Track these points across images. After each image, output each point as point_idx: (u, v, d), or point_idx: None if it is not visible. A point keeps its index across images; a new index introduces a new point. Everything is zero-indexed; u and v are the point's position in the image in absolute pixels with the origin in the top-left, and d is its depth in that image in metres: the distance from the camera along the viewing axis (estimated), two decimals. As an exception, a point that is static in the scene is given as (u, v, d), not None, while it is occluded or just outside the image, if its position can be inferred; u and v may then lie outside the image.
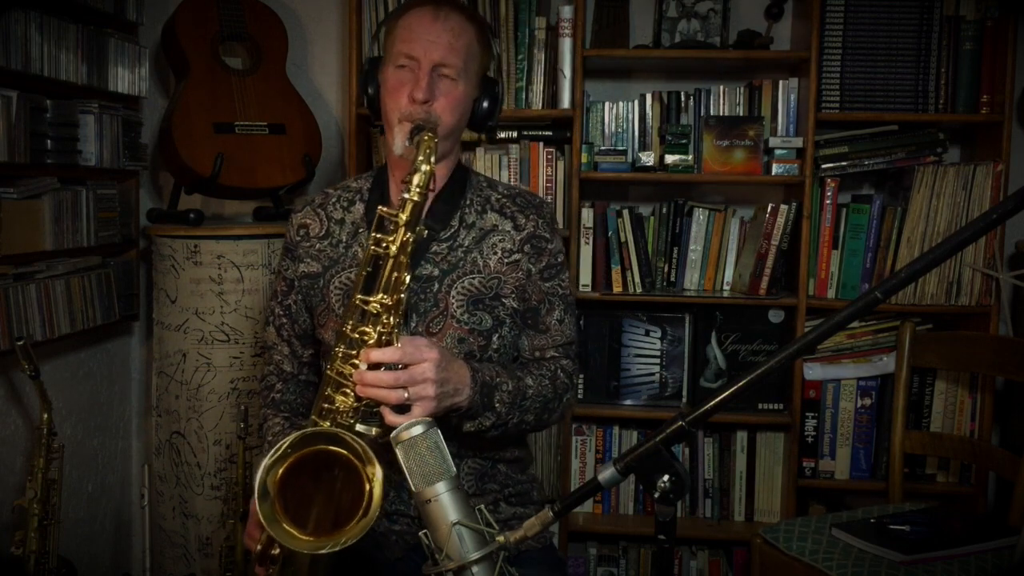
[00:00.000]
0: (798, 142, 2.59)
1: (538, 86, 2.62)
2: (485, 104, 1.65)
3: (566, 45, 2.57)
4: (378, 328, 1.41)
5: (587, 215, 2.62)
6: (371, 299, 1.41)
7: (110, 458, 2.80)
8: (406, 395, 1.39)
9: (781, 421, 2.64)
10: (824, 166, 2.60)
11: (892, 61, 2.56)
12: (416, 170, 1.40)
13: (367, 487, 1.31)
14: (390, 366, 1.40)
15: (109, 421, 2.79)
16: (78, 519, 2.63)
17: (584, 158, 2.58)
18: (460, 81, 1.57)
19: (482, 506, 1.25)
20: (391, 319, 1.42)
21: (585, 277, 2.64)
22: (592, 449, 2.72)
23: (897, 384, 2.37)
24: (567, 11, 2.56)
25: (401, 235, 1.40)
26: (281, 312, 1.72)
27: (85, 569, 2.60)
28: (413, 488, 1.22)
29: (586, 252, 2.62)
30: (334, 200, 1.71)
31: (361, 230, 1.66)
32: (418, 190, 1.40)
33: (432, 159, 1.42)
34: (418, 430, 1.24)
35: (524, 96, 2.62)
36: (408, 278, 1.42)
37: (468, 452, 1.62)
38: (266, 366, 1.79)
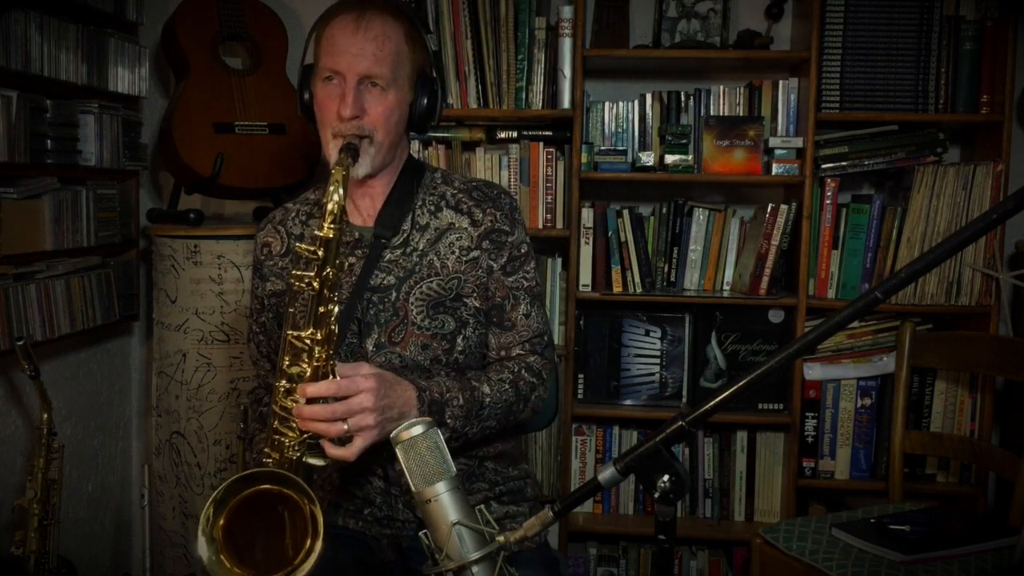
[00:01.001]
0: (798, 142, 2.59)
1: (538, 86, 2.62)
2: (424, 103, 1.60)
3: (566, 45, 2.57)
4: (313, 363, 1.40)
5: (587, 215, 2.62)
6: (301, 334, 1.40)
7: (110, 458, 2.80)
8: (345, 427, 1.38)
9: (781, 421, 2.64)
10: (824, 166, 2.60)
11: (892, 61, 2.56)
12: (329, 200, 1.37)
13: (308, 531, 1.32)
14: (328, 399, 1.39)
15: (109, 421, 2.79)
16: (78, 519, 2.63)
17: (584, 158, 2.58)
18: (390, 90, 1.54)
19: (482, 506, 1.25)
20: (323, 352, 1.40)
21: (585, 277, 2.64)
22: (592, 449, 2.72)
23: (897, 384, 2.37)
24: (567, 11, 2.56)
25: (319, 271, 1.38)
26: (257, 330, 1.72)
27: (85, 569, 2.60)
28: (413, 488, 1.22)
29: (586, 252, 2.62)
30: (293, 215, 1.70)
31: None
32: (331, 227, 1.37)
33: (341, 191, 1.38)
34: (418, 430, 1.24)
35: (524, 96, 2.62)
36: (336, 309, 1.41)
37: (452, 452, 1.61)
38: (256, 379, 1.79)
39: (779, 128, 2.64)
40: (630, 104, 2.69)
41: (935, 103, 2.57)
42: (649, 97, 2.68)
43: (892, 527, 2.03)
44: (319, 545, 1.30)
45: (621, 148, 2.65)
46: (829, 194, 2.61)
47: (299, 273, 1.39)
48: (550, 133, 2.65)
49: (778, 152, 2.60)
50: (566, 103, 2.59)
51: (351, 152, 1.48)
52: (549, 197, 2.62)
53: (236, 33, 2.61)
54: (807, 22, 2.55)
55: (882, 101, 2.58)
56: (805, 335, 1.08)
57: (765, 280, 2.60)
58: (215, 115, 2.51)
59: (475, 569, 1.18)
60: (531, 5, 2.59)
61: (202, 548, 1.30)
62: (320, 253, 1.37)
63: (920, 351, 2.37)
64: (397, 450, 1.23)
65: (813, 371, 2.64)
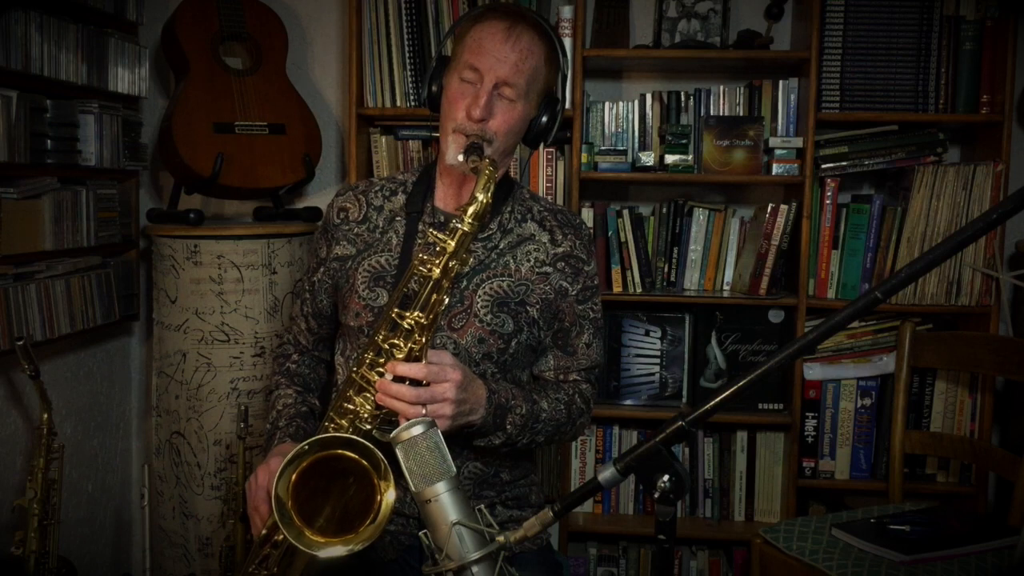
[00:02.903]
0: (798, 142, 2.59)
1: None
2: (543, 121, 1.66)
3: (566, 45, 2.56)
4: (409, 344, 1.45)
5: (587, 215, 2.62)
6: (407, 315, 1.44)
7: (110, 458, 2.80)
8: (423, 412, 1.42)
9: (781, 421, 2.64)
10: (824, 166, 2.59)
11: (892, 61, 2.56)
12: (473, 200, 1.44)
13: (378, 497, 1.33)
14: (414, 381, 1.43)
15: (109, 421, 2.79)
16: (78, 519, 2.63)
17: (584, 158, 2.58)
18: (519, 102, 1.59)
19: (482, 506, 1.25)
20: (423, 337, 1.45)
21: (585, 277, 2.63)
22: (592, 449, 2.72)
23: (897, 384, 2.37)
24: (567, 11, 2.56)
25: (446, 260, 1.44)
26: (307, 287, 1.76)
27: (85, 569, 2.60)
28: (413, 488, 1.22)
29: (586, 252, 2.62)
30: (377, 188, 1.74)
31: (398, 218, 1.68)
32: (471, 221, 1.44)
33: (490, 191, 1.45)
34: (418, 430, 1.24)
35: (524, 96, 2.62)
36: (447, 300, 1.46)
37: (472, 455, 1.63)
38: (286, 333, 1.83)
39: (779, 128, 2.64)
40: (630, 104, 2.69)
41: (935, 103, 2.57)
42: (649, 97, 2.68)
43: (892, 527, 2.03)
44: (391, 492, 1.31)
45: (621, 148, 2.65)
46: (829, 194, 2.61)
47: (424, 257, 1.45)
48: (550, 133, 2.65)
49: (778, 152, 2.60)
50: (566, 103, 2.57)
51: (477, 151, 1.53)
52: (549, 197, 2.62)
53: (236, 33, 2.61)
54: (807, 22, 2.55)
55: (882, 101, 2.57)
56: (805, 335, 1.08)
57: (765, 280, 2.60)
58: (215, 115, 2.51)
59: (475, 569, 1.18)
60: (531, 5, 2.59)
61: (275, 503, 1.32)
62: (451, 244, 1.44)
63: (920, 351, 2.37)
64: (397, 450, 1.23)
65: (813, 371, 2.64)
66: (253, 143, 2.54)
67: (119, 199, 2.59)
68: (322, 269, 1.71)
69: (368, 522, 1.32)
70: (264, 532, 1.48)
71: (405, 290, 1.48)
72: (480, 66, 1.57)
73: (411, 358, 1.45)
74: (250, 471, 2.36)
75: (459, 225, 1.44)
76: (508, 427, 1.54)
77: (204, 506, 2.50)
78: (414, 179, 1.73)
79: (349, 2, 2.60)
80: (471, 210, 1.44)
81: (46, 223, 2.27)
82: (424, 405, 1.42)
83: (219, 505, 2.48)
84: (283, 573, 1.47)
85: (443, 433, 1.41)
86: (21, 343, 2.06)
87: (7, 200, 2.14)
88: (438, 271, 1.44)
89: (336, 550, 1.31)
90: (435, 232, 1.46)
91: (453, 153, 1.58)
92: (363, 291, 1.63)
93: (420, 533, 1.23)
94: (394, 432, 1.25)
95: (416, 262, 1.46)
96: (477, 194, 1.45)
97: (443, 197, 1.69)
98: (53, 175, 2.31)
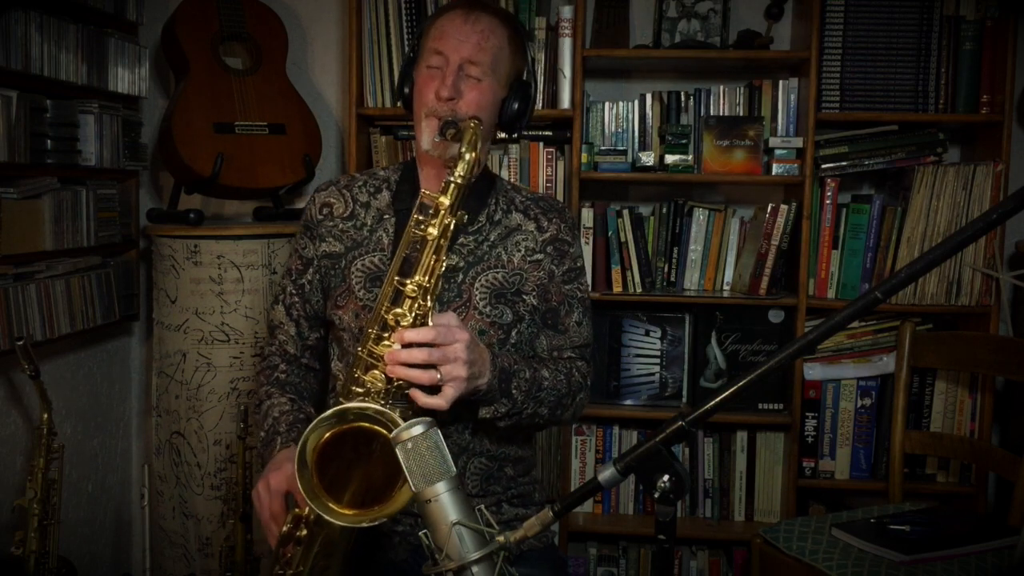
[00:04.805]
0: (798, 142, 2.59)
1: (538, 86, 2.62)
2: (515, 105, 1.65)
3: (566, 45, 2.57)
4: (414, 310, 1.43)
5: (587, 215, 2.63)
6: (408, 281, 1.43)
7: (110, 458, 2.80)
8: (439, 376, 1.40)
9: (781, 421, 2.64)
10: (824, 166, 2.60)
11: (892, 61, 2.56)
12: (460, 157, 1.44)
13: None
14: (423, 346, 1.41)
15: (109, 421, 2.79)
16: (78, 519, 2.63)
17: (584, 158, 2.58)
18: (487, 80, 1.59)
19: (482, 506, 1.25)
20: (426, 301, 1.44)
21: (585, 277, 2.64)
22: (592, 449, 2.72)
23: (897, 384, 2.37)
24: (567, 11, 2.56)
25: (442, 218, 1.44)
26: (293, 291, 1.72)
27: (85, 569, 2.60)
28: (413, 488, 1.22)
29: (586, 252, 2.62)
30: (360, 184, 1.73)
31: (386, 216, 1.67)
32: (461, 175, 1.43)
33: (478, 146, 1.45)
34: (418, 430, 1.23)
35: (524, 96, 2.62)
36: (444, 267, 1.45)
37: (477, 452, 1.63)
38: (268, 346, 1.78)
39: (779, 128, 2.64)
40: (630, 104, 2.69)
41: (935, 103, 2.57)
42: (649, 97, 2.68)
43: (892, 527, 2.03)
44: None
45: (621, 148, 2.65)
46: (829, 194, 2.61)
47: (419, 218, 1.45)
48: (550, 133, 2.65)
49: (778, 152, 2.60)
50: (566, 103, 2.59)
51: (452, 126, 1.52)
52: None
53: (236, 33, 2.61)
54: (807, 22, 2.55)
55: (882, 101, 2.58)
56: (805, 335, 1.08)
57: (765, 280, 2.60)
58: (215, 115, 2.51)
59: (475, 569, 1.18)
60: (531, 5, 2.59)
61: (299, 453, 1.31)
62: (446, 201, 1.43)
63: (920, 351, 2.37)
64: (397, 450, 1.23)
65: (813, 371, 2.64)
66: (253, 143, 2.54)
67: (119, 199, 2.59)
68: (311, 269, 1.70)
69: (398, 488, 1.31)
70: (285, 530, 1.46)
71: (403, 256, 1.47)
72: (444, 48, 1.58)
73: (417, 325, 1.43)
74: (250, 471, 2.36)
75: (450, 178, 1.43)
76: (513, 392, 1.52)
77: (204, 506, 2.50)
78: (396, 176, 1.72)
79: (349, 2, 2.60)
80: (459, 167, 1.43)
81: (46, 223, 2.27)
82: (438, 368, 1.39)
83: (219, 505, 2.48)
84: (319, 569, 1.45)
85: (453, 398, 1.42)
86: (21, 343, 2.06)
87: (7, 200, 2.14)
88: (435, 230, 1.43)
89: (373, 516, 1.30)
90: (427, 191, 1.47)
91: (428, 137, 1.58)
92: (360, 293, 1.63)
93: (420, 533, 1.23)
94: (394, 432, 1.25)
95: (412, 225, 1.45)
96: (464, 152, 1.44)
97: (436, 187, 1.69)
98: (53, 175, 2.31)
